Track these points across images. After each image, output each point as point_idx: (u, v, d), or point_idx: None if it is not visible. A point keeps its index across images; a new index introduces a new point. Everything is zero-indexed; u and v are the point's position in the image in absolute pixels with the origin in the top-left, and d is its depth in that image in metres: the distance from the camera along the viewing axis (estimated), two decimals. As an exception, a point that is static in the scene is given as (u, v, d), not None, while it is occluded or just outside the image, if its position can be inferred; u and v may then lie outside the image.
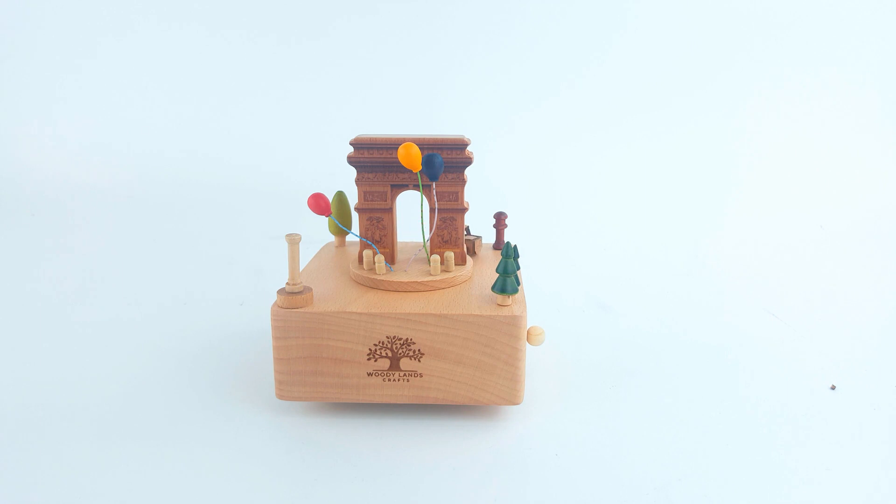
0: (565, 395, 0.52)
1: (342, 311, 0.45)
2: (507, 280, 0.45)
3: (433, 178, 0.48)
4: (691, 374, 0.56)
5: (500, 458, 0.43)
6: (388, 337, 0.45)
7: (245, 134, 1.25)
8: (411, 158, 0.46)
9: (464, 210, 0.52)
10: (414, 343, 0.45)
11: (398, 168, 0.51)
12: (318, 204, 0.49)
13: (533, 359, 0.58)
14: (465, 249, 0.54)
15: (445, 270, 0.50)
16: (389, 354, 0.46)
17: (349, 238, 0.63)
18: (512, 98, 1.24)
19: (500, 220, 0.60)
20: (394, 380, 0.46)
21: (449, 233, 0.52)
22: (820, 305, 0.73)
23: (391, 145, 0.50)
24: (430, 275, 0.49)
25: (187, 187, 1.18)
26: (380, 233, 0.52)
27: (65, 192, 1.16)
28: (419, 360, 0.46)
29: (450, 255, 0.50)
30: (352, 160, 0.51)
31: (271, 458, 0.43)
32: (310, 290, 0.46)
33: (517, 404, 0.47)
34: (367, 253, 0.51)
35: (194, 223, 1.05)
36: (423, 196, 0.51)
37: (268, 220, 1.06)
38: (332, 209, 0.58)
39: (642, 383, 0.54)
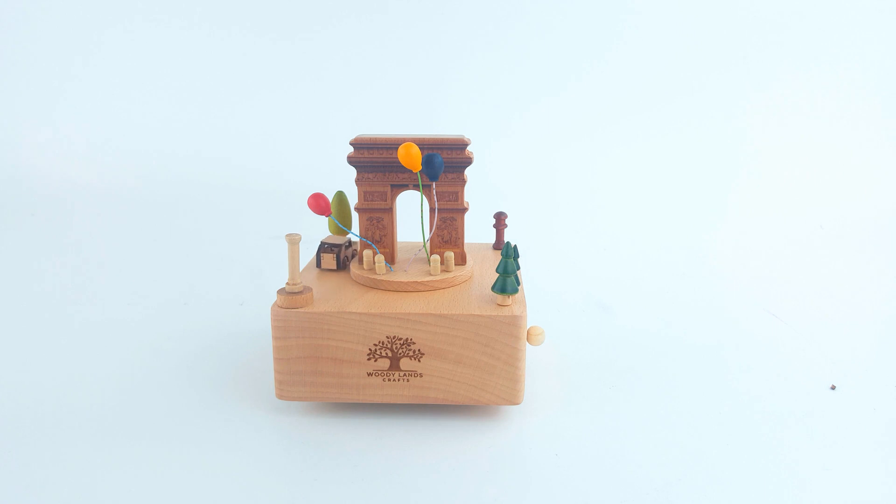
0: (565, 395, 0.52)
1: (342, 311, 0.45)
2: (507, 280, 0.45)
3: (433, 178, 0.48)
4: (691, 375, 0.56)
5: (500, 458, 0.43)
6: (388, 337, 0.45)
7: (245, 134, 1.25)
8: (411, 158, 0.46)
9: (464, 210, 0.52)
10: (414, 343, 0.45)
11: (398, 168, 0.51)
12: (318, 204, 0.49)
13: (533, 359, 0.58)
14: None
15: (445, 270, 0.50)
16: (389, 354, 0.46)
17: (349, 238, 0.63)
18: (512, 98, 1.24)
19: (500, 220, 0.60)
20: (394, 380, 0.46)
21: (449, 233, 0.52)
22: (820, 305, 0.73)
23: (391, 145, 0.50)
24: (430, 275, 0.49)
25: (187, 187, 1.18)
26: (380, 233, 0.52)
27: (65, 192, 1.17)
28: (419, 360, 0.46)
29: (450, 255, 0.50)
30: (352, 160, 0.51)
31: (271, 458, 0.43)
32: (310, 290, 0.46)
33: (517, 404, 0.47)
34: (367, 253, 0.51)
35: (194, 223, 1.05)
36: (423, 196, 0.51)
37: (268, 220, 1.06)
38: (332, 209, 0.58)
39: (642, 383, 0.54)
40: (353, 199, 0.61)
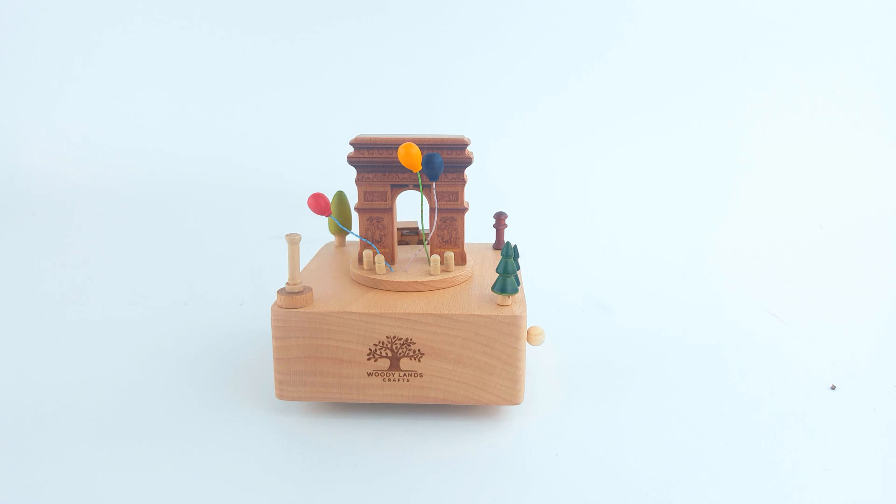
0: (565, 395, 0.52)
1: (342, 311, 0.45)
2: (507, 280, 0.45)
3: (433, 177, 0.48)
4: (691, 375, 0.56)
5: (500, 458, 0.43)
6: (388, 337, 0.45)
7: (245, 134, 1.25)
8: (411, 158, 0.46)
9: (464, 210, 0.52)
10: (414, 343, 0.45)
11: (398, 168, 0.51)
12: (318, 204, 0.49)
13: (533, 359, 0.58)
14: None
15: (445, 270, 0.50)
16: (389, 354, 0.46)
17: (349, 238, 0.63)
18: (512, 98, 1.24)
19: (500, 220, 0.60)
20: (394, 380, 0.46)
21: (449, 233, 0.52)
22: (820, 305, 0.73)
23: (391, 145, 0.50)
24: (430, 275, 0.49)
25: (187, 187, 1.18)
26: (380, 233, 0.52)
27: (65, 192, 1.17)
28: (419, 360, 0.46)
29: (450, 255, 0.50)
30: (352, 160, 0.51)
31: (271, 458, 0.43)
32: (310, 290, 0.46)
33: (517, 404, 0.47)
34: (367, 253, 0.51)
35: (194, 223, 1.05)
36: (423, 196, 0.51)
37: (268, 220, 1.06)
38: (332, 209, 0.58)
39: (642, 383, 0.54)
40: (353, 199, 0.61)
